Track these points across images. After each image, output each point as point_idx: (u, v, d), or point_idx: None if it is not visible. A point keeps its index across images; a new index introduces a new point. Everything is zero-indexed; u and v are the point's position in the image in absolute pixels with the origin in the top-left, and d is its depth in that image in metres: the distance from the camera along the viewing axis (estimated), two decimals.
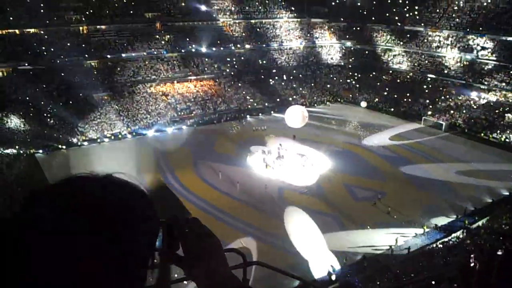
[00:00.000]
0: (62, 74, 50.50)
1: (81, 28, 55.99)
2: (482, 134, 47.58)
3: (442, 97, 56.64)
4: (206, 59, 61.18)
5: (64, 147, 43.60)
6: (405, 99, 58.00)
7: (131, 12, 58.32)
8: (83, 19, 55.56)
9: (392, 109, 57.06)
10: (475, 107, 53.35)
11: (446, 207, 31.76)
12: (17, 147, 41.00)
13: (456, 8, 62.84)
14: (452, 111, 53.11)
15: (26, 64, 49.55)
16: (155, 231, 1.10)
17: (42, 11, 52.08)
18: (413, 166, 39.33)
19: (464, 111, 52.66)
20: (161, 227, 1.16)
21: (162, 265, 1.22)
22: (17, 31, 51.58)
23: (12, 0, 50.46)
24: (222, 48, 62.40)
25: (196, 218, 1.29)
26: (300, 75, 65.66)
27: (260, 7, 70.01)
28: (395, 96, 58.85)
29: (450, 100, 55.79)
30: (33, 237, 0.87)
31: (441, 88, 58.49)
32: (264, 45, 67.03)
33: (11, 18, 50.58)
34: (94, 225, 0.91)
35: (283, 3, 71.67)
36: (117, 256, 0.93)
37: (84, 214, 0.91)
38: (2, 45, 49.64)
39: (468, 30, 59.21)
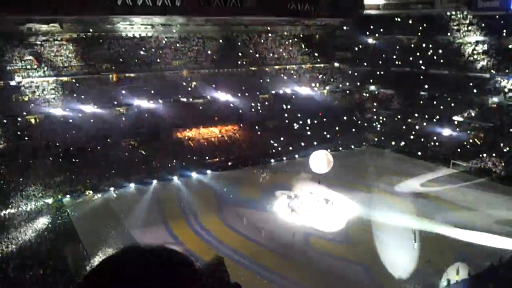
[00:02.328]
0: (92, 120, 52.03)
1: (110, 76, 57.96)
2: None
3: (471, 141, 55.40)
4: (231, 105, 62.03)
5: (91, 192, 44.14)
6: (432, 143, 56.98)
7: (158, 60, 60.35)
8: (113, 67, 57.65)
9: (419, 153, 55.94)
10: (505, 150, 51.90)
11: (482, 256, 30.27)
12: (46, 191, 41.74)
13: (481, 50, 62.62)
14: (481, 155, 51.62)
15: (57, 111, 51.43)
16: None
17: (74, 60, 54.63)
18: (447, 213, 37.81)
19: (494, 155, 51.15)
20: None
21: None
22: (50, 79, 53.79)
23: (48, 51, 53.08)
24: (246, 94, 63.30)
25: (237, 284, 1.36)
26: (324, 119, 65.62)
27: (284, 54, 71.35)
28: (422, 140, 57.88)
29: (479, 144, 54.47)
30: None
31: (469, 132, 57.36)
32: (288, 91, 67.73)
33: (45, 68, 52.99)
34: None
35: (306, 49, 72.92)
36: None
37: (140, 285, 1.04)
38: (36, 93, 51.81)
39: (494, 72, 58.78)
